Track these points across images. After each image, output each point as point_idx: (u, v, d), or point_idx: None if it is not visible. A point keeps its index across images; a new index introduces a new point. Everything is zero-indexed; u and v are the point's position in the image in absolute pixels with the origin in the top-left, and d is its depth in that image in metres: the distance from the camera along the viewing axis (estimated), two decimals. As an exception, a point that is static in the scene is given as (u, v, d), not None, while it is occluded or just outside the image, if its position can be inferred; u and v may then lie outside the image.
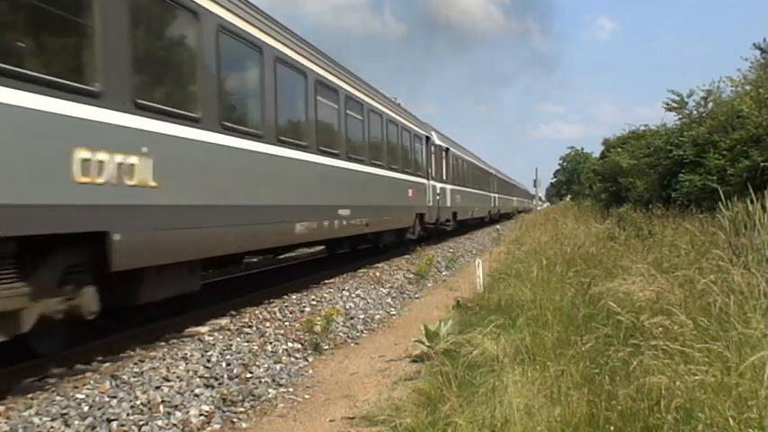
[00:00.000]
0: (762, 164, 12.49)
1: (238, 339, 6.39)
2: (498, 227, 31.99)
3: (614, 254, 8.62)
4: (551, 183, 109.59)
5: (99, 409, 4.27)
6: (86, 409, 4.27)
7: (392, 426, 3.85)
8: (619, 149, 24.21)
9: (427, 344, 5.70)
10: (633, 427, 3.09)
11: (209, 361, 5.55)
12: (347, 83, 12.21)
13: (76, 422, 4.06)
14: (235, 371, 5.40)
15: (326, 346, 6.72)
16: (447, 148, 22.67)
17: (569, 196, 73.04)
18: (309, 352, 6.41)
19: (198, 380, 5.07)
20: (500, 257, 12.56)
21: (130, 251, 5.44)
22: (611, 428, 3.11)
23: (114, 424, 4.11)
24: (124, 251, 5.32)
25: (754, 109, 14.09)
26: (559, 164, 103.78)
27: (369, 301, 9.34)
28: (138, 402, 4.44)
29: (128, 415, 4.25)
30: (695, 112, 17.52)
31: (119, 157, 5.32)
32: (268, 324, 7.17)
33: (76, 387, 4.67)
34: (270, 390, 5.15)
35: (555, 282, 6.96)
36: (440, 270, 13.86)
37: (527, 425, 3.30)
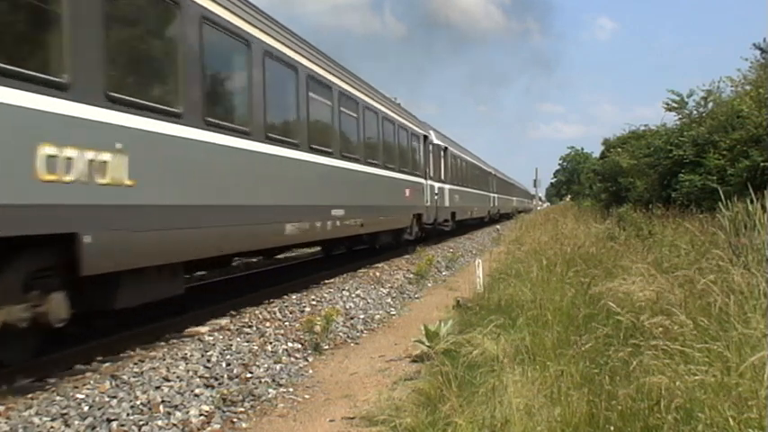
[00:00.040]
0: (762, 164, 12.50)
1: (238, 339, 6.39)
2: (498, 227, 32.00)
3: (614, 254, 8.62)
4: (551, 183, 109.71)
5: (99, 409, 4.27)
6: (86, 409, 4.27)
7: (392, 426, 3.85)
8: (619, 149, 24.21)
9: (427, 344, 5.70)
10: (633, 427, 3.09)
11: (209, 361, 5.55)
12: (341, 79, 11.89)
13: (76, 422, 4.06)
14: (235, 371, 5.40)
15: (326, 346, 6.72)
16: (445, 148, 22.50)
17: (569, 196, 73.05)
18: (309, 352, 6.41)
19: (198, 380, 5.07)
20: (500, 257, 12.56)
21: (103, 254, 5.12)
22: (611, 428, 3.11)
23: (114, 424, 4.11)
24: (95, 254, 5.00)
25: (754, 109, 14.09)
26: (559, 164, 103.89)
27: (369, 301, 9.34)
28: (138, 402, 4.44)
29: (128, 415, 4.25)
30: (695, 112, 17.55)
31: (89, 154, 4.98)
32: (268, 324, 7.17)
33: (76, 387, 4.66)
34: (270, 390, 5.15)
35: (555, 282, 6.96)
36: (440, 270, 13.86)
37: (527, 425, 3.30)
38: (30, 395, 4.55)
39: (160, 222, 5.93)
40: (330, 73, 11.23)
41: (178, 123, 6.26)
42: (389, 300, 9.75)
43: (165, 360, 5.46)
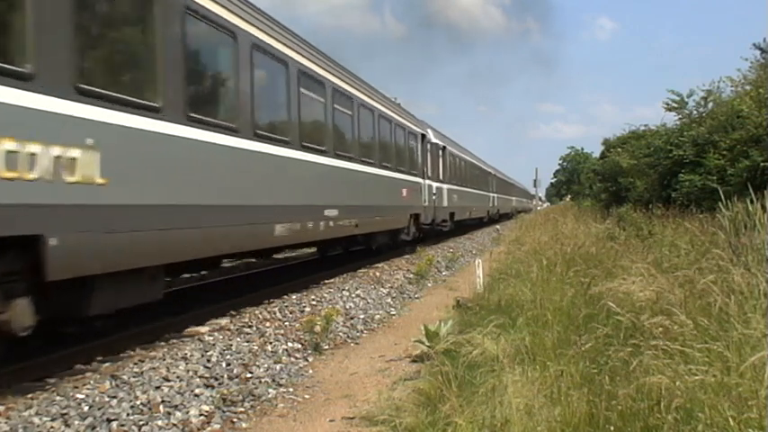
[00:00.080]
0: (762, 164, 12.50)
1: (238, 339, 6.39)
2: (498, 227, 32.02)
3: (614, 254, 8.62)
4: (551, 183, 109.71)
5: (99, 409, 4.27)
6: (86, 409, 4.27)
7: (392, 426, 3.86)
8: (619, 149, 24.23)
9: (427, 344, 5.70)
10: (633, 427, 3.09)
11: (209, 361, 5.55)
12: (335, 75, 11.44)
13: (76, 422, 4.06)
14: (235, 371, 5.40)
15: (326, 346, 6.72)
16: (444, 147, 22.20)
17: (569, 196, 73.07)
18: (309, 352, 6.41)
19: (198, 380, 5.07)
20: (500, 257, 12.57)
21: (70, 257, 4.76)
22: (611, 428, 3.12)
23: (114, 424, 4.11)
24: (62, 257, 4.64)
25: (754, 109, 14.09)
26: (559, 164, 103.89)
27: (369, 301, 9.35)
28: (138, 402, 4.44)
29: (128, 415, 4.25)
30: (695, 112, 17.55)
31: (56, 150, 4.62)
32: (268, 324, 7.18)
33: (76, 387, 4.67)
34: (270, 390, 5.15)
35: (555, 282, 6.96)
36: (440, 270, 13.87)
37: (527, 425, 3.30)
38: (30, 395, 4.55)
39: (136, 223, 5.55)
40: (323, 68, 10.82)
41: (157, 119, 5.90)
42: (389, 300, 9.75)
43: (165, 360, 5.46)
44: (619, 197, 21.57)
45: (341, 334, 7.28)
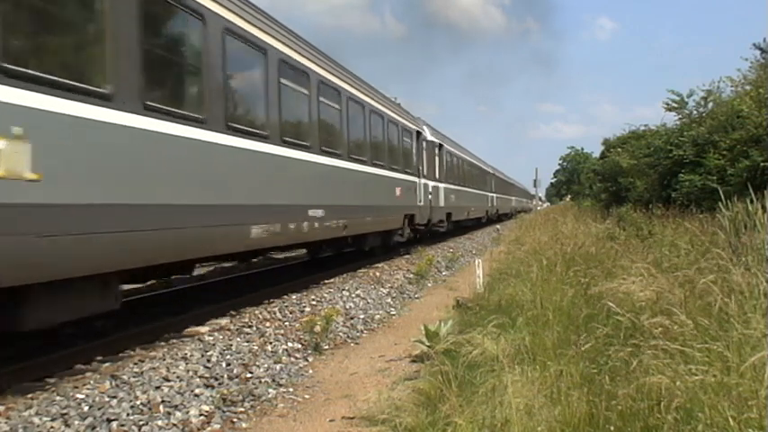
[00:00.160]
0: (762, 164, 12.50)
1: (238, 339, 6.39)
2: (498, 227, 32.01)
3: (614, 254, 8.62)
4: (551, 183, 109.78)
5: (99, 409, 4.28)
6: (86, 409, 4.27)
7: (392, 426, 3.86)
8: (619, 149, 24.22)
9: (427, 344, 5.70)
10: (633, 427, 3.09)
11: (209, 361, 5.55)
12: (321, 66, 10.58)
13: (76, 422, 4.06)
14: (235, 371, 5.40)
15: (326, 346, 6.72)
16: (440, 144, 21.57)
17: (569, 196, 73.09)
18: (309, 352, 6.41)
19: (198, 380, 5.07)
20: (500, 257, 12.58)
21: None
22: (611, 428, 3.12)
23: (114, 424, 4.11)
24: None
25: (754, 109, 14.10)
26: (559, 164, 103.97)
27: (369, 301, 9.35)
28: (138, 402, 4.44)
29: (128, 415, 4.25)
30: (695, 112, 17.56)
31: None
32: (268, 324, 7.18)
33: (76, 387, 4.67)
34: (270, 390, 5.16)
35: (555, 282, 6.95)
36: (440, 270, 13.87)
37: (527, 425, 3.30)
38: (30, 395, 4.55)
39: (80, 225, 4.84)
40: (307, 59, 9.99)
41: (107, 107, 5.20)
42: (389, 300, 9.75)
43: (165, 360, 5.46)
44: (619, 197, 21.58)
45: (341, 334, 7.29)
